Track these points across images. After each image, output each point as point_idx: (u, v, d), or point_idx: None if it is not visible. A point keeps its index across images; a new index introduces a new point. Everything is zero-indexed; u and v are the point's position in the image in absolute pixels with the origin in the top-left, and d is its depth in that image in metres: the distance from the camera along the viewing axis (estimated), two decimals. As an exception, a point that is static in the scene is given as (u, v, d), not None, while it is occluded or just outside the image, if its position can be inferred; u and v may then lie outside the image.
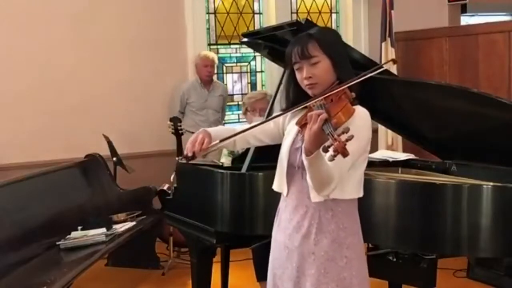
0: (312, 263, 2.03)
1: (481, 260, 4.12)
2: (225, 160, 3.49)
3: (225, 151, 3.66)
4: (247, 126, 2.21)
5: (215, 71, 5.48)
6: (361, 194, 2.08)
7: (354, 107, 1.96)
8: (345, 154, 1.67)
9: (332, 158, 1.69)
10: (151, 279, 4.52)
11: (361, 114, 1.99)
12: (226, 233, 2.95)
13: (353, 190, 2.04)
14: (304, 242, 2.04)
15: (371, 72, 2.01)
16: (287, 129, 2.17)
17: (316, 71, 2.01)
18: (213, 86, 5.35)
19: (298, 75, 2.07)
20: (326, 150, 1.70)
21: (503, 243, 2.52)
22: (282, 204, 2.17)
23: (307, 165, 1.87)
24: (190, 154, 2.04)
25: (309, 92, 2.05)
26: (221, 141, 2.08)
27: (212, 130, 2.16)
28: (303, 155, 1.86)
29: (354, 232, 2.06)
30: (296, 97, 2.10)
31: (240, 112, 6.00)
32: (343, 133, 1.69)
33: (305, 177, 1.96)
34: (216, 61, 5.40)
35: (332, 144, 1.68)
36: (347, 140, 1.67)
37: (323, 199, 1.99)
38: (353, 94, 1.96)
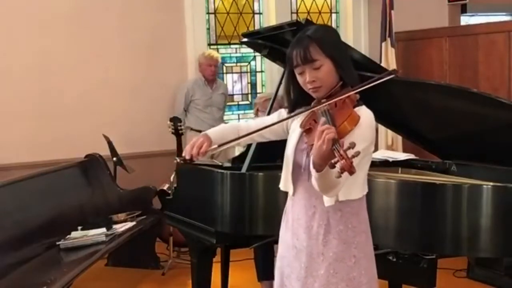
0: (321, 264, 2.02)
1: (481, 260, 4.12)
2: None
3: None
4: (250, 124, 2.21)
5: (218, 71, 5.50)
6: (366, 191, 2.08)
7: (358, 107, 1.97)
8: (352, 172, 1.64)
9: (339, 175, 1.66)
10: (151, 279, 4.52)
11: (366, 116, 1.96)
12: (226, 233, 2.95)
13: (359, 189, 2.04)
14: (313, 242, 2.03)
15: (379, 79, 1.97)
16: (291, 127, 2.15)
17: (319, 74, 1.98)
18: (216, 84, 5.39)
19: (300, 79, 2.03)
20: (333, 166, 1.68)
21: (503, 243, 2.52)
22: (289, 203, 2.15)
23: (316, 177, 1.84)
24: (188, 157, 2.07)
25: (313, 95, 2.02)
26: (220, 145, 2.08)
27: (213, 133, 2.15)
28: (313, 170, 1.83)
29: (362, 231, 2.06)
30: (298, 96, 2.08)
31: (240, 112, 6.01)
32: (349, 148, 1.66)
33: (311, 179, 1.92)
34: (220, 60, 5.42)
35: (338, 161, 1.66)
36: (353, 157, 1.64)
37: (334, 202, 1.96)
38: (357, 96, 1.97)
